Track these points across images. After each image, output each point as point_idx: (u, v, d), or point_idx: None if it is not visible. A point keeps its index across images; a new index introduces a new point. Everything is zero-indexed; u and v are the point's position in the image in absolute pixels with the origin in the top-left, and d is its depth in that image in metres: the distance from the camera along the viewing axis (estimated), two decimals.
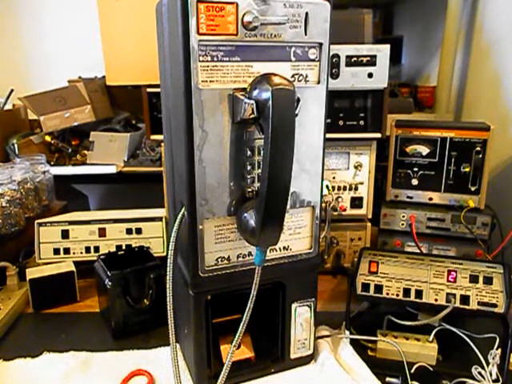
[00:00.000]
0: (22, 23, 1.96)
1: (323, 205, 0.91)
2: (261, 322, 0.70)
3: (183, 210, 0.60)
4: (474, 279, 0.74)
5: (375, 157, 0.97)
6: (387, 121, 0.93)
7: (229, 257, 0.62)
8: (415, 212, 0.99)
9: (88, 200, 1.83)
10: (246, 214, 0.58)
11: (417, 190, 0.99)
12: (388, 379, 0.68)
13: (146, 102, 1.02)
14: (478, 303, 0.73)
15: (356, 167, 0.97)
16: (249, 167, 0.59)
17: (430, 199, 0.98)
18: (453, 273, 0.75)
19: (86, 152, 1.53)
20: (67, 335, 0.81)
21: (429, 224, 0.98)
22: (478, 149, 0.92)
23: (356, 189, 0.99)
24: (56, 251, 0.98)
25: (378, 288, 0.78)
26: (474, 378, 0.67)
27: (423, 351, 0.72)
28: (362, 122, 0.93)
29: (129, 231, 0.99)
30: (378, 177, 1.06)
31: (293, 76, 0.59)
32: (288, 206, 0.59)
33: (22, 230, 1.05)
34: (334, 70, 0.88)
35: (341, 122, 0.93)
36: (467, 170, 0.94)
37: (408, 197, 1.00)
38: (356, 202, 0.99)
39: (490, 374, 0.67)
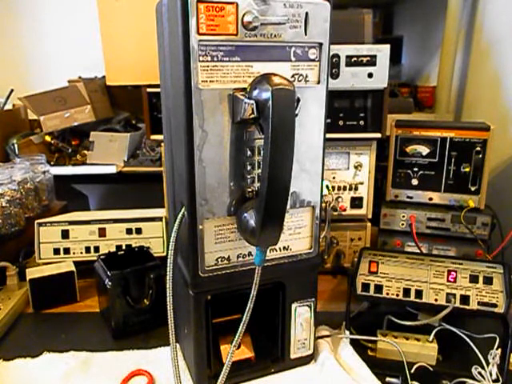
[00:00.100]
0: (22, 23, 1.96)
1: (323, 205, 0.91)
2: (261, 322, 0.70)
3: (183, 210, 0.60)
4: (473, 279, 0.74)
5: (375, 157, 0.97)
6: (387, 121, 0.93)
7: (229, 257, 0.62)
8: (415, 212, 0.99)
9: (88, 200, 1.83)
10: (245, 214, 0.58)
11: (417, 190, 0.99)
12: (388, 379, 0.68)
13: (146, 102, 1.02)
14: (478, 303, 0.73)
15: (356, 167, 0.97)
16: (249, 167, 0.59)
17: (430, 199, 0.98)
18: (453, 273, 0.75)
19: (85, 152, 1.53)
20: (67, 335, 0.81)
21: (429, 224, 0.98)
22: (478, 149, 0.92)
23: (356, 189, 0.99)
24: (56, 251, 0.98)
25: (378, 288, 0.78)
26: (474, 378, 0.67)
27: (423, 351, 0.72)
28: (361, 122, 0.93)
29: (129, 231, 0.99)
30: (378, 177, 1.06)
31: (293, 76, 0.59)
32: (288, 206, 0.59)
33: (22, 230, 1.05)
34: (334, 70, 0.88)
35: (341, 122, 0.93)
36: (467, 170, 0.94)
37: (408, 197, 1.00)
38: (356, 202, 0.99)
39: (490, 374, 0.67)
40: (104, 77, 1.49)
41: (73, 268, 0.90)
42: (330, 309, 0.88)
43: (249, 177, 0.60)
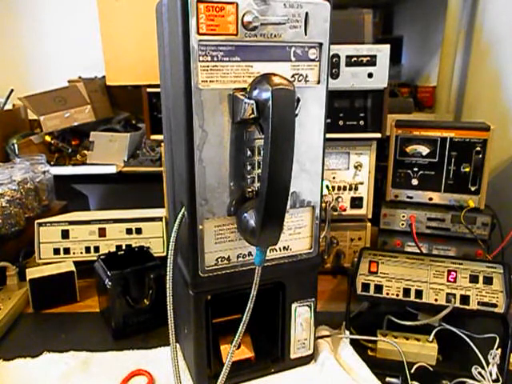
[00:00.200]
0: (22, 23, 1.96)
1: (323, 205, 0.91)
2: (261, 322, 0.70)
3: (183, 210, 0.60)
4: (473, 279, 0.74)
5: (375, 157, 0.97)
6: (387, 121, 0.93)
7: (229, 257, 0.62)
8: (415, 212, 0.99)
9: (88, 200, 1.83)
10: (245, 214, 0.58)
11: (417, 190, 0.99)
12: (388, 379, 0.68)
13: (146, 102, 1.02)
14: (478, 303, 0.73)
15: (356, 167, 0.97)
16: (249, 167, 0.59)
17: (430, 199, 0.98)
18: (453, 273, 0.75)
19: (85, 152, 1.53)
20: (67, 335, 0.81)
21: (429, 224, 0.98)
22: (478, 149, 0.92)
23: (356, 189, 0.99)
24: (56, 251, 0.98)
25: (378, 288, 0.78)
26: (474, 378, 0.67)
27: (423, 351, 0.72)
28: (361, 122, 0.93)
29: (129, 231, 0.99)
30: (378, 177, 1.06)
31: (293, 76, 0.59)
32: (288, 206, 0.59)
33: (22, 230, 1.05)
34: (334, 70, 0.88)
35: (341, 122, 0.93)
36: (467, 169, 0.94)
37: (408, 197, 1.00)
38: (356, 202, 0.99)
39: (490, 374, 0.67)
40: (104, 77, 1.49)
41: (73, 268, 0.90)
42: (329, 309, 0.88)
43: (249, 177, 0.60)
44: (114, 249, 0.98)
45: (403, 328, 0.74)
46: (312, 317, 0.70)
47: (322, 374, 0.69)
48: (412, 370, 0.69)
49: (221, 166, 0.58)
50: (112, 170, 1.45)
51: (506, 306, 0.72)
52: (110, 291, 0.77)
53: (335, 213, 0.99)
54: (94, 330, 0.82)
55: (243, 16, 0.53)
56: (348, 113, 0.93)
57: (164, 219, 1.00)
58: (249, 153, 0.59)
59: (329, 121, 0.89)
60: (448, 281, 0.75)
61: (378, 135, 0.94)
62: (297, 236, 0.66)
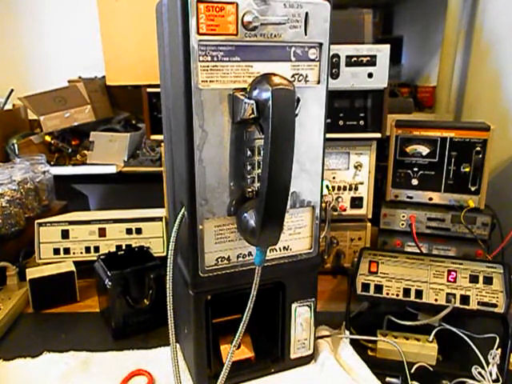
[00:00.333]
0: (22, 23, 1.96)
1: (323, 205, 0.91)
2: (261, 322, 0.70)
3: (183, 209, 0.60)
4: (474, 279, 0.74)
5: (375, 157, 0.97)
6: (387, 121, 0.93)
7: (229, 257, 0.62)
8: (415, 212, 0.99)
9: (88, 200, 1.83)
10: (246, 214, 0.58)
11: (417, 190, 0.99)
12: (388, 379, 0.68)
13: (146, 102, 1.02)
14: (478, 303, 0.73)
15: (356, 167, 0.97)
16: (249, 167, 0.59)
17: (430, 199, 0.98)
18: (453, 273, 0.75)
19: (85, 152, 1.53)
20: (67, 335, 0.81)
21: (429, 224, 0.98)
22: (478, 149, 0.92)
23: (356, 189, 0.99)
24: (56, 251, 0.98)
25: (378, 288, 0.78)
26: (474, 378, 0.67)
27: (423, 351, 0.72)
28: (361, 122, 0.93)
29: (129, 231, 0.99)
30: (378, 177, 1.06)
31: (293, 76, 0.59)
32: (288, 206, 0.59)
33: (22, 230, 1.05)
34: (334, 70, 0.88)
35: (341, 122, 0.93)
36: (467, 169, 0.94)
37: (408, 197, 1.00)
38: (356, 202, 0.99)
39: (490, 374, 0.67)
40: (104, 77, 1.49)
41: (73, 268, 0.90)
42: (329, 309, 0.88)
43: (249, 177, 0.60)
44: (114, 249, 0.98)
45: (403, 328, 0.74)
46: (312, 317, 0.70)
47: (322, 373, 0.69)
48: (412, 370, 0.69)
49: (221, 166, 0.58)
50: (112, 169, 1.45)
51: (506, 306, 0.72)
52: (110, 291, 0.77)
53: (335, 213, 0.99)
54: (93, 329, 0.82)
55: (243, 16, 0.53)
56: (348, 113, 0.93)
57: (164, 219, 1.00)
58: (249, 153, 0.59)
59: (329, 121, 0.89)
60: (448, 281, 0.75)
61: (378, 135, 0.94)
62: (297, 236, 0.66)
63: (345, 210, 0.99)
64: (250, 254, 0.63)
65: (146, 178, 1.43)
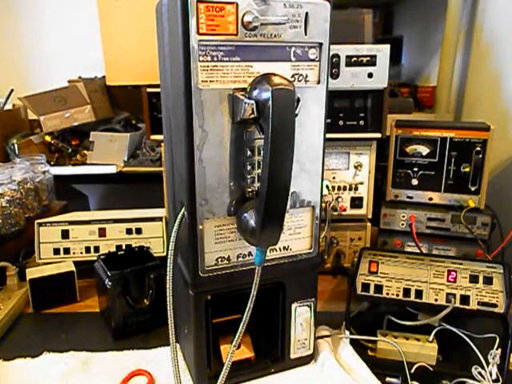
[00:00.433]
0: (22, 23, 1.96)
1: (323, 205, 0.91)
2: (261, 322, 0.70)
3: (183, 210, 0.60)
4: (474, 279, 0.74)
5: (375, 157, 0.97)
6: (387, 121, 0.93)
7: (229, 257, 0.62)
8: (415, 212, 0.99)
9: (88, 200, 1.83)
10: (246, 214, 0.58)
11: (417, 190, 0.99)
12: (388, 379, 0.68)
13: (146, 102, 1.02)
14: (478, 303, 0.73)
15: (356, 167, 0.97)
16: (249, 167, 0.59)
17: (430, 199, 0.98)
18: (453, 273, 0.75)
19: (86, 152, 1.53)
20: (67, 335, 0.81)
21: (429, 224, 0.98)
22: (478, 149, 0.92)
23: (356, 189, 0.99)
24: (56, 251, 0.98)
25: (378, 288, 0.78)
26: (474, 378, 0.67)
27: (423, 351, 0.72)
28: (361, 122, 0.93)
29: (129, 231, 0.99)
30: (378, 177, 1.06)
31: (293, 76, 0.59)
32: (288, 206, 0.59)
33: (22, 230, 1.05)
34: (334, 70, 0.88)
35: (341, 122, 0.93)
36: (467, 170, 0.94)
37: (408, 197, 1.00)
38: (356, 202, 0.99)
39: (490, 374, 0.67)
40: (104, 77, 1.49)
41: (73, 268, 0.90)
42: (329, 309, 0.88)
43: (249, 177, 0.60)
44: (114, 249, 0.98)
45: (403, 328, 0.74)
46: (312, 317, 0.70)
47: (322, 373, 0.69)
48: (412, 370, 0.69)
49: (221, 165, 0.58)
50: (112, 170, 1.45)
51: (506, 306, 0.72)
52: (110, 291, 0.77)
53: (335, 213, 0.99)
54: (93, 329, 0.82)
55: (243, 16, 0.53)
56: (348, 113, 0.93)
57: (164, 219, 1.00)
58: (249, 153, 0.59)
59: (329, 121, 0.89)
60: (448, 281, 0.75)
61: (378, 135, 0.94)
62: (297, 236, 0.66)
63: (345, 210, 0.99)
64: (250, 253, 0.63)
65: (146, 177, 1.43)
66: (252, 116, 0.53)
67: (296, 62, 0.58)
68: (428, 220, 0.98)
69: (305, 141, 0.61)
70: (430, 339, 0.73)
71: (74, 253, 0.98)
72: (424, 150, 0.96)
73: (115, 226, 0.99)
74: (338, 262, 1.01)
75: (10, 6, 1.94)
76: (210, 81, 0.55)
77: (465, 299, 0.74)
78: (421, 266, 0.77)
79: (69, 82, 1.61)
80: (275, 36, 0.56)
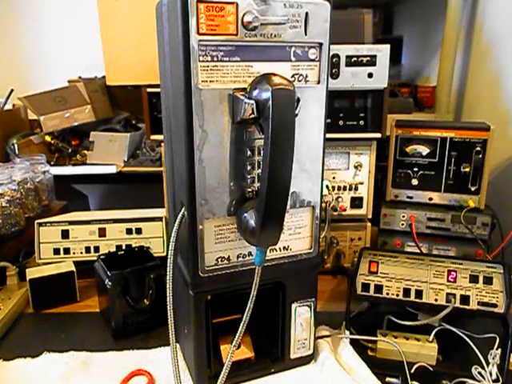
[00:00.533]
0: (22, 23, 1.96)
1: (323, 205, 0.91)
2: (261, 322, 0.70)
3: (183, 210, 0.60)
4: (473, 279, 0.74)
5: (375, 157, 0.97)
6: (387, 121, 0.93)
7: (229, 257, 0.62)
8: (415, 212, 0.99)
9: (88, 200, 1.83)
10: (246, 214, 0.58)
11: (417, 190, 0.99)
12: (388, 379, 0.68)
13: (146, 102, 1.02)
14: (478, 303, 0.73)
15: (356, 167, 0.97)
16: (249, 167, 0.59)
17: (430, 199, 0.98)
18: (453, 273, 0.75)
19: (86, 152, 1.53)
20: (67, 335, 0.81)
21: (429, 224, 0.98)
22: (478, 149, 0.92)
23: (356, 189, 0.99)
24: (56, 251, 0.98)
25: (378, 288, 0.78)
26: (474, 378, 0.67)
27: (423, 351, 0.72)
28: (361, 122, 0.93)
29: (129, 231, 0.99)
30: (378, 177, 1.06)
31: (293, 76, 0.59)
32: (288, 206, 0.59)
33: (22, 230, 1.05)
34: (334, 70, 0.88)
35: (341, 122, 0.93)
36: (467, 169, 0.94)
37: (408, 197, 1.00)
38: (356, 202, 0.99)
39: (490, 374, 0.67)
40: (104, 77, 1.49)
41: (73, 268, 0.90)
42: (330, 309, 0.88)
43: (249, 177, 0.60)
44: (114, 249, 0.98)
45: (403, 328, 0.74)
46: (312, 317, 0.70)
47: (322, 373, 0.69)
48: (412, 370, 0.69)
49: (221, 165, 0.58)
50: (112, 170, 1.45)
51: (506, 306, 0.72)
52: (110, 291, 0.77)
53: (335, 213, 0.99)
54: (93, 329, 0.82)
55: (243, 16, 0.53)
56: (348, 113, 0.93)
57: (164, 219, 1.00)
58: (249, 153, 0.59)
59: (329, 121, 0.89)
60: (448, 281, 0.75)
61: (378, 135, 0.94)
62: (297, 236, 0.66)
63: (345, 210, 0.99)
64: (250, 253, 0.63)
65: (146, 177, 1.43)
66: (252, 116, 0.53)
67: (296, 62, 0.58)
68: (428, 220, 0.98)
69: (305, 141, 0.61)
70: (430, 339, 0.73)
71: (74, 253, 0.98)
72: (424, 150, 0.97)
73: (115, 226, 0.99)
74: (338, 262, 1.01)
75: (10, 6, 1.94)
76: (210, 81, 0.55)
77: (465, 299, 0.74)
78: (421, 266, 0.77)
79: (69, 81, 1.61)
80: (275, 36, 0.56)
